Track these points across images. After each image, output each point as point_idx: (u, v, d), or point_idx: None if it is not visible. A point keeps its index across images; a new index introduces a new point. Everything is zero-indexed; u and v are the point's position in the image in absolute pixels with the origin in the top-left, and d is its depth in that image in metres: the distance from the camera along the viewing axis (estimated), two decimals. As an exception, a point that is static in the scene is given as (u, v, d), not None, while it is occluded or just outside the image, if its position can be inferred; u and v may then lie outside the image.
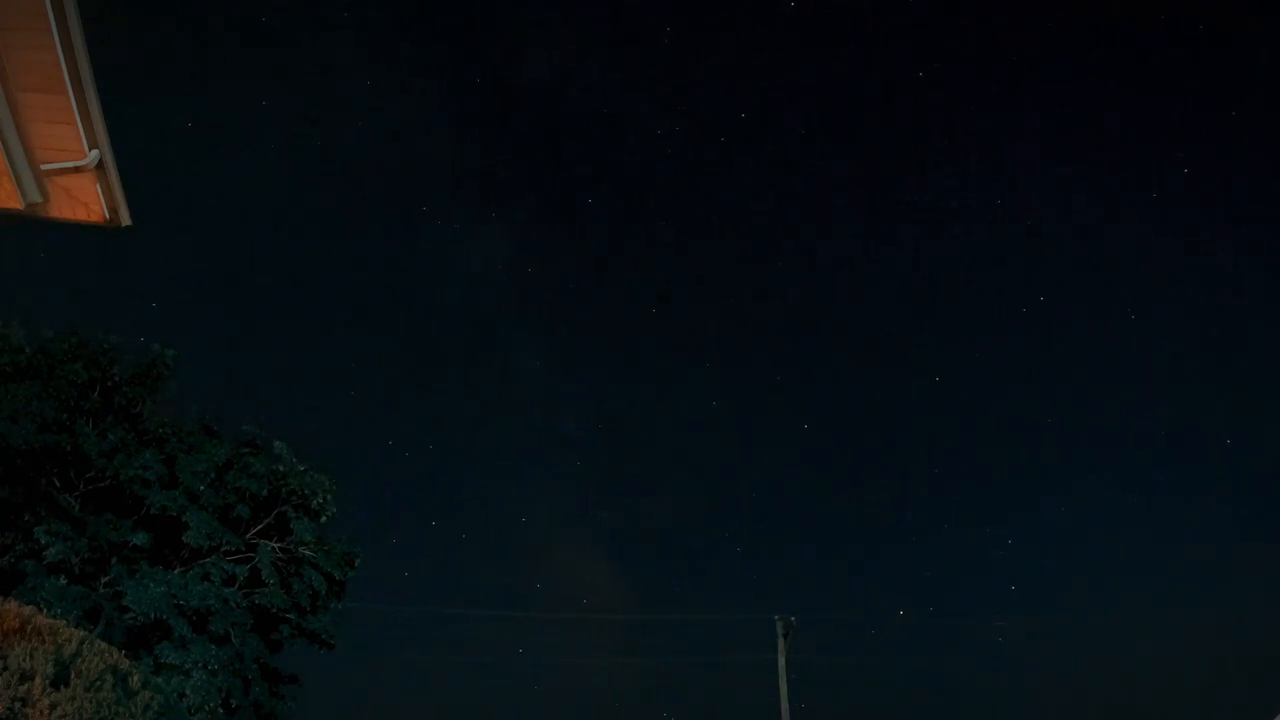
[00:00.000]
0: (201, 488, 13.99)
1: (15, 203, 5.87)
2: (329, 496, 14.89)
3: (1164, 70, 36.69)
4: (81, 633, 6.56)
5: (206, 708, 12.46)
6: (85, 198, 6.30)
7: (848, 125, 39.33)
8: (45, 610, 6.99)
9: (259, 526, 14.73)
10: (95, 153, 5.92)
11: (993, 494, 39.77)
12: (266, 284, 39.27)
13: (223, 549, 14.13)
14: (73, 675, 6.09)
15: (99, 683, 6.17)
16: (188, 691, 12.39)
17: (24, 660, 5.88)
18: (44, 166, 5.93)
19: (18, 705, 5.63)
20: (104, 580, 13.14)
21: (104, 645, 6.69)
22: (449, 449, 39.46)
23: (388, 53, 37.40)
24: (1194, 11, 35.08)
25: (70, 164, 5.97)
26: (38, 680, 5.80)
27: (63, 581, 12.47)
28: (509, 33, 37.99)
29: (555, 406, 41.61)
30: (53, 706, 5.74)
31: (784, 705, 26.03)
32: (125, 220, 6.50)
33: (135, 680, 6.63)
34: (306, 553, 14.68)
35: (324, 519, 14.98)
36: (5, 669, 5.77)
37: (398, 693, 32.36)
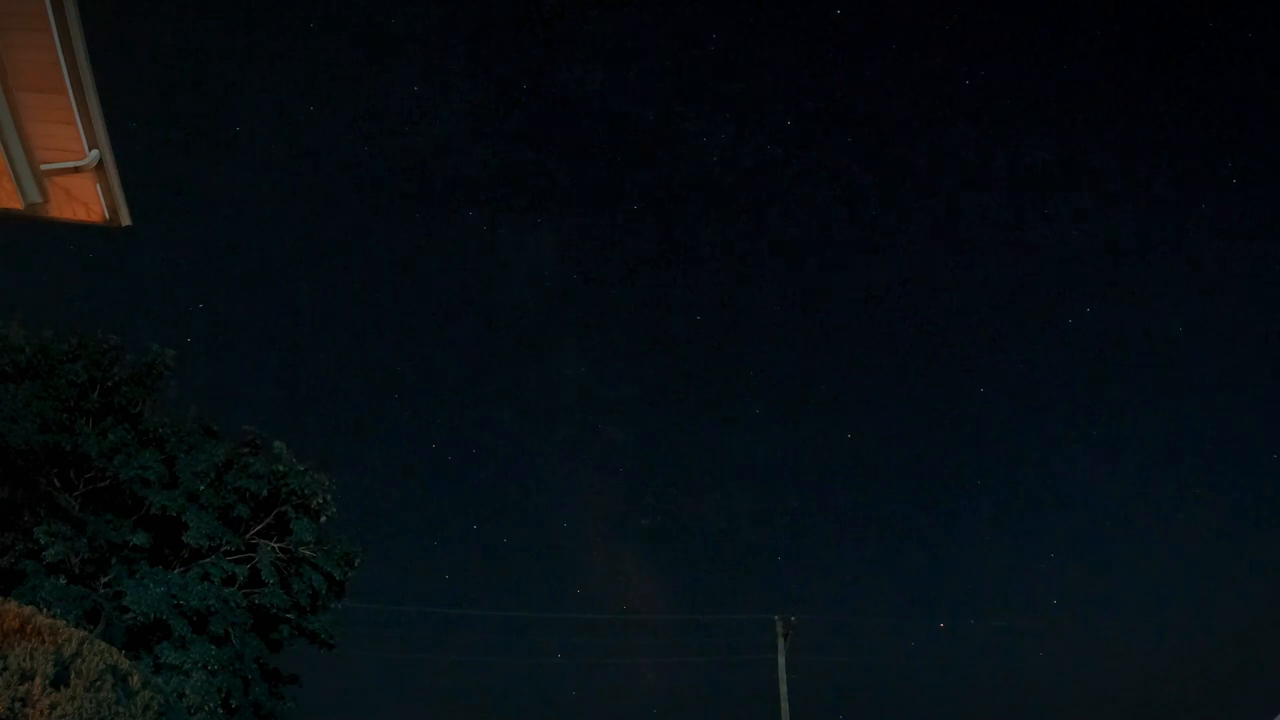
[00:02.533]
0: (201, 488, 13.98)
1: (15, 203, 5.88)
2: (329, 496, 14.88)
3: (1193, 78, 36.61)
4: (81, 633, 6.56)
5: (206, 708, 12.46)
6: (85, 198, 6.30)
7: (895, 132, 39.18)
8: (45, 610, 6.98)
9: (259, 526, 14.73)
10: (95, 153, 5.93)
11: (1026, 502, 39.89)
12: (303, 288, 39.43)
13: (223, 549, 14.13)
14: (73, 675, 6.09)
15: (99, 683, 6.17)
16: (188, 691, 12.38)
17: (24, 660, 5.88)
18: (44, 166, 5.94)
19: (18, 705, 5.63)
20: (104, 580, 13.14)
21: (104, 645, 6.68)
22: (492, 453, 39.60)
23: (434, 56, 37.42)
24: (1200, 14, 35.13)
25: (70, 164, 5.97)
26: (38, 680, 5.80)
27: (63, 581, 12.47)
28: (556, 36, 38.00)
29: (599, 411, 41.56)
30: (53, 706, 5.74)
31: (784, 706, 26.03)
32: (125, 220, 6.50)
33: (135, 680, 6.63)
34: (306, 553, 14.67)
35: (324, 519, 14.97)
36: (5, 669, 5.77)
37: (425, 695, 32.57)
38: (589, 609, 37.01)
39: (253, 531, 14.70)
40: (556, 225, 40.15)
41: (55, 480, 13.57)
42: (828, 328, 41.62)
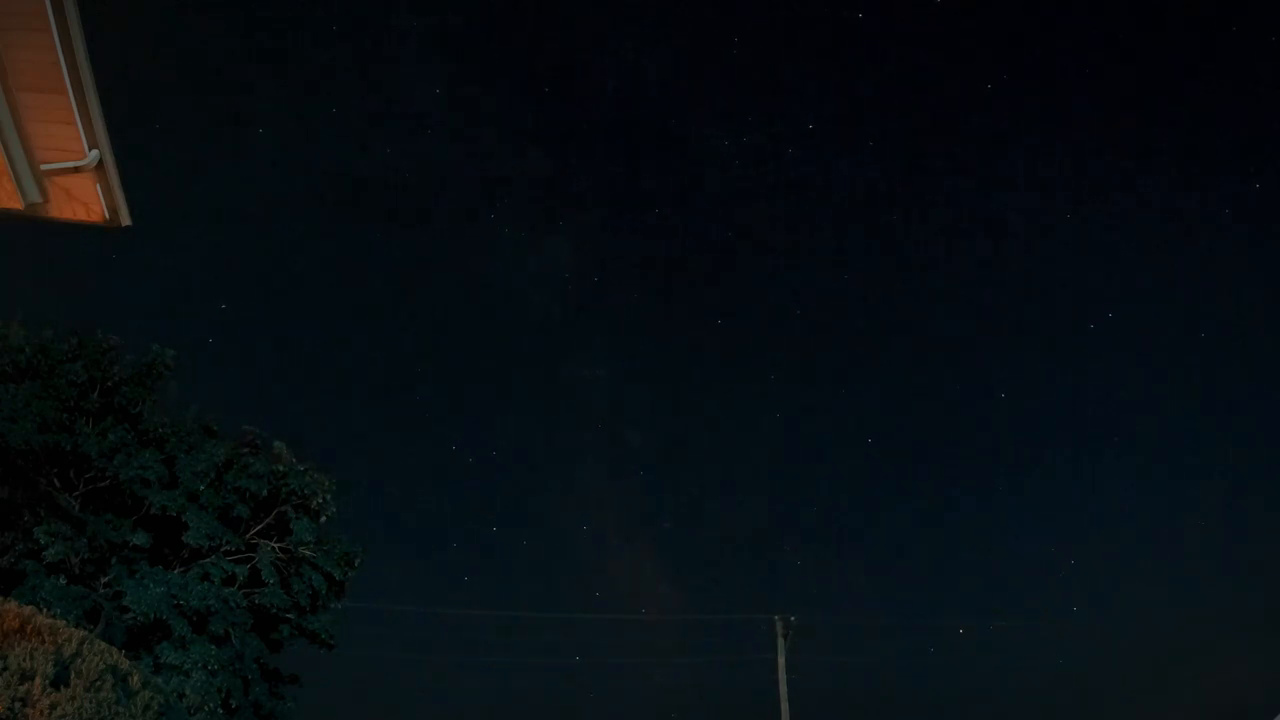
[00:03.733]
0: (201, 488, 13.98)
1: (15, 203, 5.88)
2: (329, 496, 14.88)
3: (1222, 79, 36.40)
4: (81, 633, 6.56)
5: (206, 708, 12.46)
6: (85, 198, 6.31)
7: (918, 137, 38.94)
8: (45, 610, 6.98)
9: (259, 526, 14.73)
10: (95, 153, 5.93)
11: (1047, 506, 39.86)
12: (321, 290, 39.50)
13: (223, 549, 14.13)
14: (73, 675, 6.09)
15: (99, 683, 6.17)
16: (188, 691, 12.38)
17: (24, 660, 5.88)
18: (44, 166, 5.94)
19: (18, 705, 5.63)
20: (104, 580, 13.14)
21: (104, 645, 6.68)
22: (511, 456, 39.60)
23: (455, 59, 37.38)
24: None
25: (70, 164, 5.98)
26: (38, 680, 5.80)
27: (63, 581, 12.46)
28: (578, 41, 37.96)
29: (618, 416, 41.50)
30: (53, 706, 5.74)
31: (784, 706, 26.04)
32: (125, 220, 6.51)
33: (135, 680, 6.63)
34: (306, 553, 14.67)
35: (324, 519, 14.97)
36: (5, 669, 5.77)
37: (439, 697, 32.63)
38: (608, 611, 37.12)
39: (253, 531, 14.70)
40: (576, 228, 40.17)
41: (55, 480, 13.57)
42: (848, 330, 41.50)
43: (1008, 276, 40.28)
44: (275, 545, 14.55)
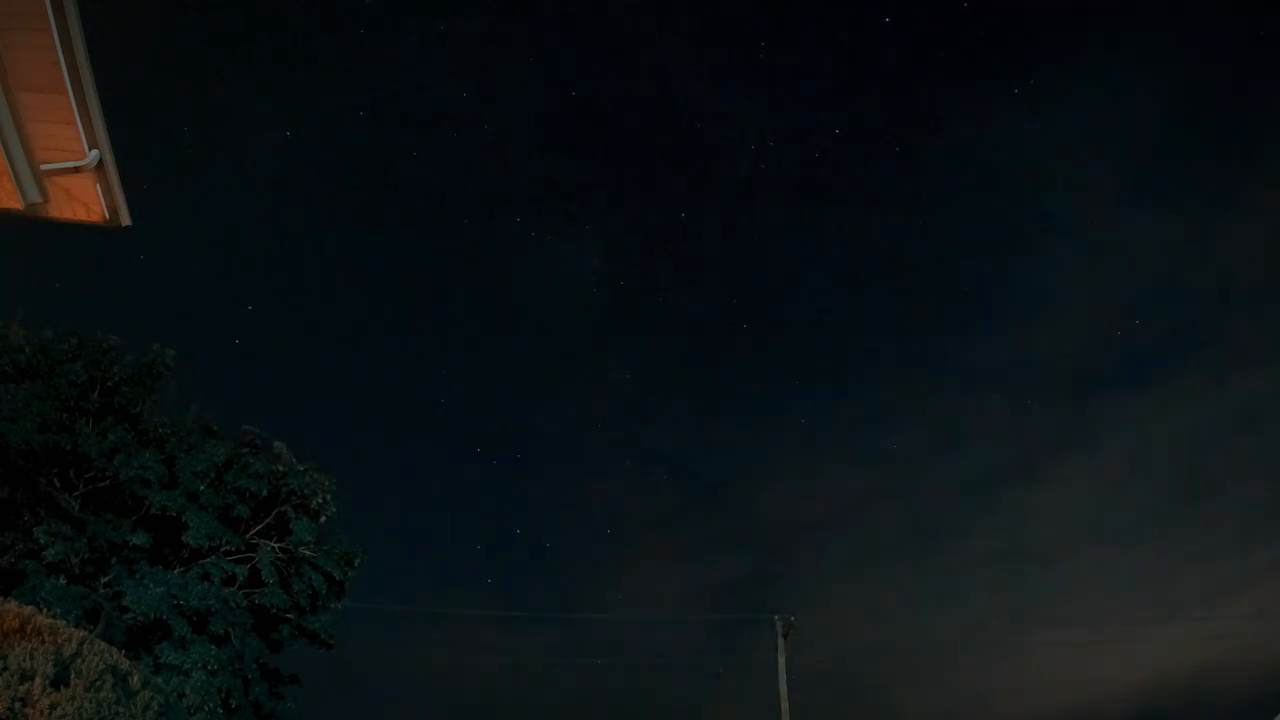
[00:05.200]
0: (201, 488, 13.98)
1: (15, 203, 5.88)
2: (328, 496, 14.88)
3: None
4: (81, 633, 6.56)
5: (206, 708, 12.46)
6: (85, 198, 6.31)
7: (946, 141, 38.67)
8: (45, 610, 6.98)
9: (259, 526, 14.73)
10: (95, 153, 5.94)
11: (1058, 509, 39.90)
12: (347, 294, 39.59)
13: (223, 549, 14.13)
14: (73, 675, 6.09)
15: (99, 683, 6.17)
16: (188, 691, 12.38)
17: (24, 660, 5.88)
18: (44, 166, 5.94)
19: (18, 705, 5.63)
20: (104, 580, 13.14)
21: (104, 645, 6.69)
22: (536, 458, 39.73)
23: (482, 62, 37.31)
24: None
25: (70, 164, 5.98)
26: (38, 680, 5.80)
27: (63, 581, 12.46)
28: (603, 43, 37.86)
29: (644, 420, 41.51)
30: (53, 706, 5.74)
31: (784, 705, 26.04)
32: (125, 220, 6.51)
33: (135, 680, 6.63)
34: (306, 553, 14.67)
35: (324, 519, 14.97)
36: (5, 669, 5.77)
37: (456, 698, 32.75)
38: (629, 614, 37.25)
39: (253, 531, 14.70)
40: (601, 231, 40.07)
41: (55, 480, 13.57)
42: (880, 340, 41.28)
43: (1025, 281, 40.18)
44: (275, 545, 14.55)
